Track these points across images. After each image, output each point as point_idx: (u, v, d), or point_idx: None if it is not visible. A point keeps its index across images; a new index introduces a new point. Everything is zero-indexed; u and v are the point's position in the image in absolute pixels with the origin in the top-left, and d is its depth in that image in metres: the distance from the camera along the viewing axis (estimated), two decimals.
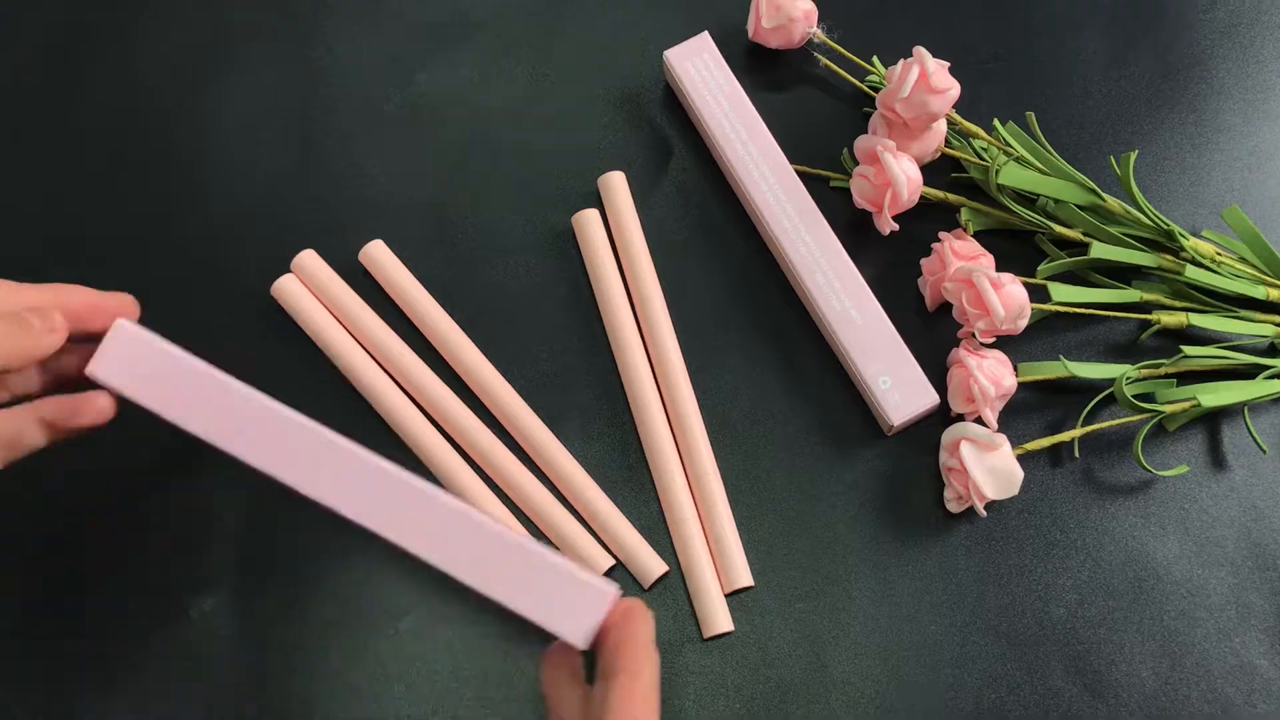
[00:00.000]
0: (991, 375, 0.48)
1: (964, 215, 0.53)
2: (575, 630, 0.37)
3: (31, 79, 0.58)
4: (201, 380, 0.40)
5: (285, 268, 0.53)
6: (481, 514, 0.38)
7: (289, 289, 0.52)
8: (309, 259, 0.52)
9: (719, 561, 0.48)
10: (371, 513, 0.38)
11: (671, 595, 0.48)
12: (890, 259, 0.53)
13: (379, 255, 0.53)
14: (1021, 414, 0.51)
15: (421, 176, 0.56)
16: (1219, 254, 0.51)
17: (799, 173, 0.53)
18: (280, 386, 0.51)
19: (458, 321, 0.52)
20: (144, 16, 0.59)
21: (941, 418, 0.51)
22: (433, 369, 0.51)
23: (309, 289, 0.52)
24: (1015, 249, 0.53)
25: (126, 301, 0.42)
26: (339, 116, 0.57)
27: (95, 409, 0.40)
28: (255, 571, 0.49)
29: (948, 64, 0.50)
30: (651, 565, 0.48)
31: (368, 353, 0.51)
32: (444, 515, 0.38)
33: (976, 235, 0.53)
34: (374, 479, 0.39)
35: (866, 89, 0.56)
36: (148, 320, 0.54)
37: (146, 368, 0.40)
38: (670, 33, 0.56)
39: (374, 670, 0.47)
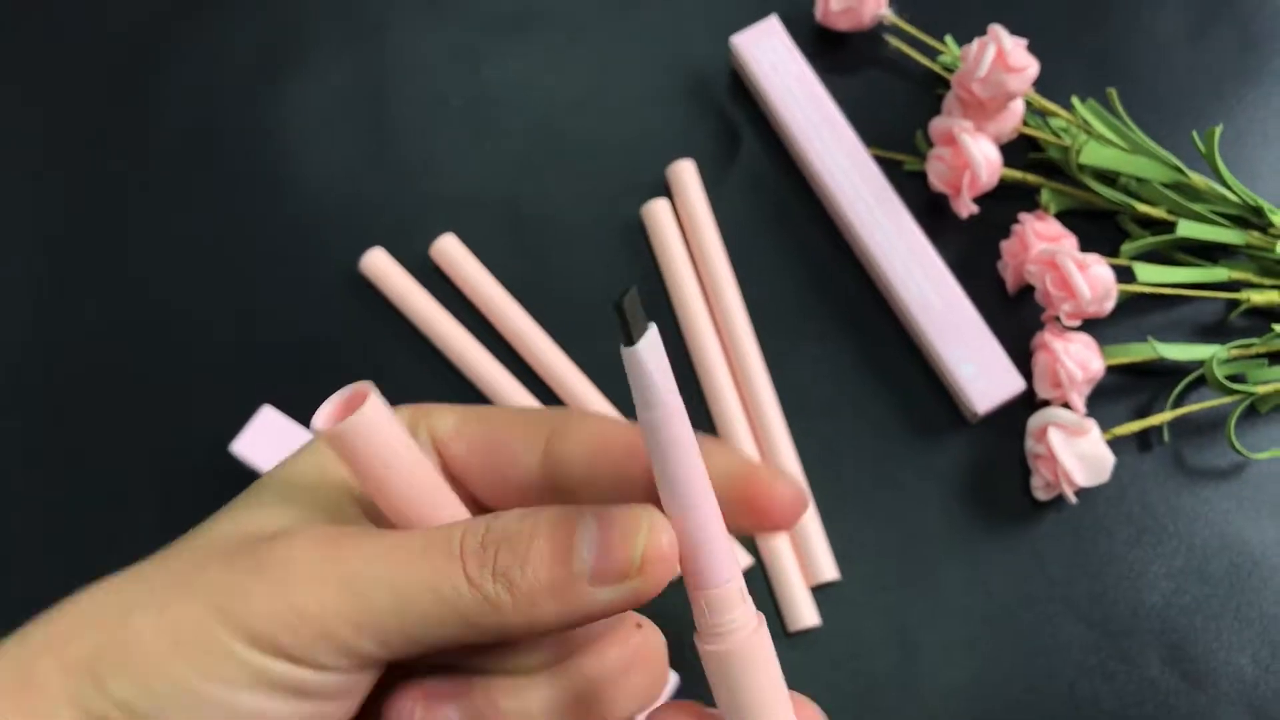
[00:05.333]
0: (1078, 359, 0.47)
1: (1044, 196, 0.52)
2: None
3: (108, 80, 0.58)
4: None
5: (356, 266, 0.53)
6: None
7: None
8: (377, 257, 0.52)
9: (802, 555, 0.47)
10: None
11: (754, 589, 0.48)
12: (967, 242, 0.52)
13: (451, 250, 0.52)
14: (1108, 398, 0.50)
15: (490, 170, 0.55)
16: None
17: (873, 156, 0.52)
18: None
19: (531, 314, 0.51)
20: (215, 17, 0.59)
21: (1023, 403, 0.50)
22: (505, 364, 0.51)
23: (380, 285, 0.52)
24: (1096, 229, 0.52)
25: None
26: (406, 113, 0.56)
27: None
28: None
29: (1025, 41, 0.49)
30: None
31: (439, 352, 0.51)
32: None
33: (1057, 216, 0.51)
34: None
35: (939, 70, 0.55)
36: (223, 321, 0.54)
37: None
38: (736, 18, 0.55)
39: None
